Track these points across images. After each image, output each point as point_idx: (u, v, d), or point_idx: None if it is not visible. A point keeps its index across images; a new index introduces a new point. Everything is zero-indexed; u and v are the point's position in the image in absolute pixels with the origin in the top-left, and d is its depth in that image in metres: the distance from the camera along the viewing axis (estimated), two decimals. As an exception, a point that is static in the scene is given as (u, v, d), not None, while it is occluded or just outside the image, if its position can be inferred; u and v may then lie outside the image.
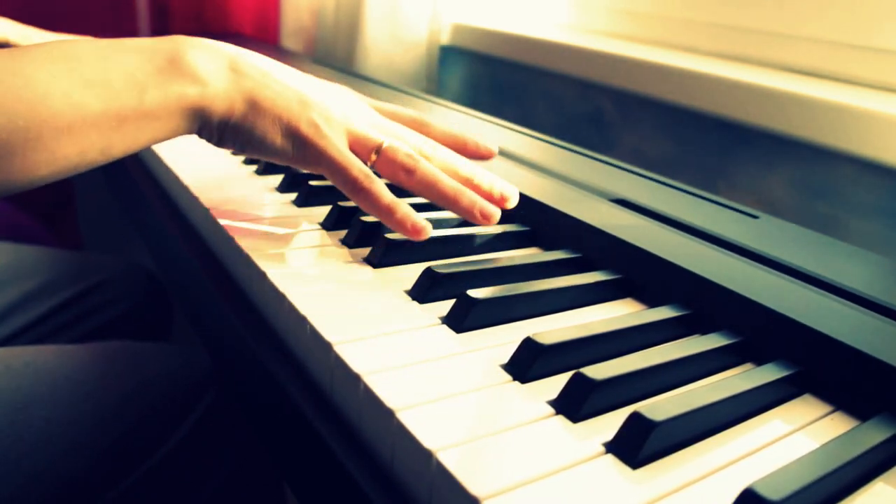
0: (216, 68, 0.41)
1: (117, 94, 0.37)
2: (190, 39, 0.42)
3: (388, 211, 0.41)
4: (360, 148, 0.44)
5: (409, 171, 0.43)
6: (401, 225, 0.41)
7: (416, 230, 0.41)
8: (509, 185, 0.46)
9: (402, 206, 0.41)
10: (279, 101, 0.42)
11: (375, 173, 0.43)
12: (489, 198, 0.45)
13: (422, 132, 0.48)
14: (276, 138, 0.42)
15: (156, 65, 0.39)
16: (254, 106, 0.41)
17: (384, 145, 0.43)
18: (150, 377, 0.53)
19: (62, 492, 0.46)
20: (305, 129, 0.42)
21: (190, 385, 0.54)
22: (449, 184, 0.43)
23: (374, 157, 0.44)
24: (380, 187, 0.41)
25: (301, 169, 0.44)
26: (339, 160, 0.42)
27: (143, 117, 0.38)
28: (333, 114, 0.43)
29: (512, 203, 0.46)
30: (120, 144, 0.38)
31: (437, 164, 0.45)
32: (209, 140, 0.43)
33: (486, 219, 0.43)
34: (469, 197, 0.43)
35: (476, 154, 0.49)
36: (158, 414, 0.52)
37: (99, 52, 0.38)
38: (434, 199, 0.43)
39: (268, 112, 0.42)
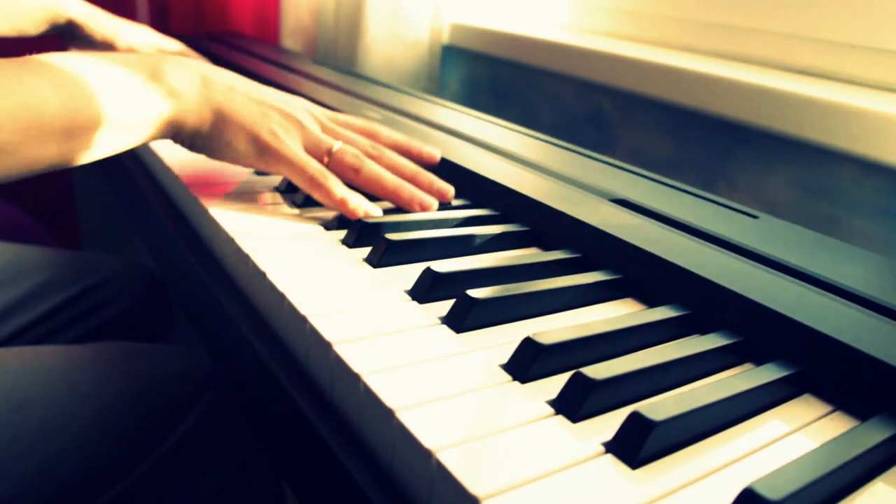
0: (190, 84, 0.47)
1: (107, 105, 0.43)
2: (168, 57, 0.48)
3: (342, 203, 0.47)
4: (314, 151, 0.50)
5: (357, 170, 0.49)
6: (354, 214, 0.47)
7: (367, 216, 0.47)
8: (447, 184, 0.53)
9: (354, 198, 0.48)
10: (243, 112, 0.49)
11: None
12: (429, 192, 0.52)
13: (372, 139, 0.54)
14: (241, 145, 0.49)
15: (140, 80, 0.45)
16: (222, 117, 0.48)
17: (334, 148, 0.50)
18: (149, 377, 0.53)
19: (60, 492, 0.46)
20: (266, 136, 0.48)
21: (189, 385, 0.54)
22: (391, 179, 0.50)
23: (326, 159, 0.50)
24: (334, 182, 0.48)
25: (264, 170, 0.50)
26: (296, 161, 0.48)
27: (125, 126, 0.44)
28: (290, 122, 0.50)
29: (449, 197, 0.52)
30: (98, 150, 0.44)
31: (384, 164, 0.52)
32: (183, 146, 0.50)
33: (423, 208, 0.50)
34: (409, 190, 0.50)
35: (420, 158, 0.55)
36: (157, 414, 0.52)
37: (89, 66, 0.43)
38: (379, 194, 0.50)
39: (233, 122, 0.48)
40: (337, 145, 0.50)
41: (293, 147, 0.49)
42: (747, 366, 0.35)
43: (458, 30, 1.06)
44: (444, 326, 0.35)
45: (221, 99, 0.48)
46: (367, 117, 0.68)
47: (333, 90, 0.82)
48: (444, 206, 0.52)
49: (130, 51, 0.87)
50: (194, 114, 0.47)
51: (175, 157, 0.58)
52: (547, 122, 0.96)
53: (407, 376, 0.31)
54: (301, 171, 0.48)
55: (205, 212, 0.48)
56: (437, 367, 0.32)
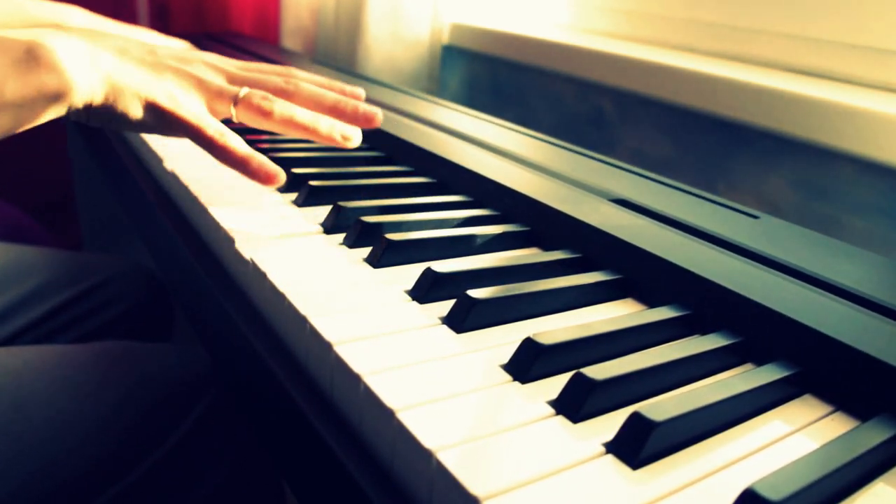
0: (74, 57, 0.44)
1: None
2: (49, 31, 0.45)
3: (244, 162, 0.45)
4: (219, 103, 0.47)
5: (267, 112, 0.47)
6: (256, 173, 0.45)
7: (270, 177, 0.44)
8: (373, 107, 0.51)
9: (257, 156, 0.45)
10: (135, 78, 0.46)
11: (239, 127, 0.49)
12: (354, 119, 0.50)
13: (287, 77, 0.52)
14: (138, 112, 0.46)
15: (12, 57, 0.42)
16: (113, 86, 0.45)
17: (240, 94, 0.47)
18: (150, 377, 0.53)
19: (61, 491, 0.46)
20: (163, 100, 0.46)
21: (189, 385, 0.54)
22: (306, 115, 0.47)
23: (233, 109, 0.47)
24: (234, 142, 0.45)
25: (169, 136, 0.48)
26: (194, 123, 0.46)
27: (7, 107, 0.41)
28: (188, 80, 0.47)
29: (377, 121, 0.50)
30: None
31: (301, 98, 0.49)
32: (79, 121, 0.46)
33: (346, 139, 0.48)
34: (327, 122, 0.48)
35: (343, 94, 0.52)
36: (158, 413, 0.52)
37: None
38: (296, 133, 0.47)
39: (126, 90, 0.45)
40: (243, 91, 0.47)
41: (192, 108, 0.46)
42: (748, 366, 0.35)
43: (458, 30, 1.06)
44: (445, 326, 0.35)
45: (110, 67, 0.45)
46: None
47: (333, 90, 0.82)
48: (444, 206, 0.52)
49: None
50: (82, 87, 0.44)
51: (175, 157, 0.58)
52: (547, 122, 0.96)
53: (407, 376, 0.31)
54: (200, 133, 0.46)
55: (205, 212, 0.48)
56: (437, 367, 0.32)
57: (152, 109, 0.46)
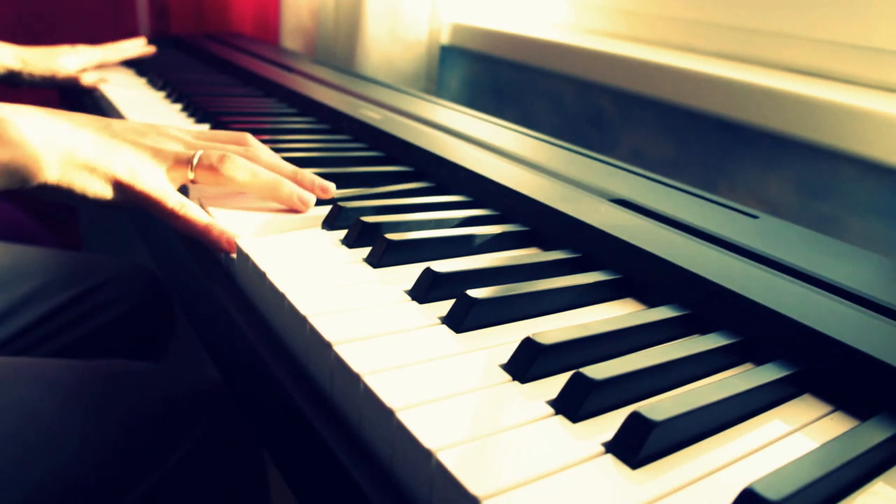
0: (29, 133, 0.44)
1: None
2: (6, 106, 0.45)
3: (206, 230, 0.45)
4: (178, 169, 0.48)
5: (228, 168, 0.47)
6: (217, 241, 0.44)
7: (230, 244, 0.44)
8: (327, 182, 0.52)
9: (217, 224, 0.45)
10: (92, 153, 0.45)
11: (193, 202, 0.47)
12: (311, 188, 0.50)
13: (242, 145, 0.52)
14: (97, 188, 0.46)
15: None
16: (70, 161, 0.45)
17: (197, 156, 0.48)
18: (155, 395, 0.54)
19: (68, 500, 0.46)
20: (122, 174, 0.46)
21: (193, 402, 0.54)
22: (269, 174, 0.48)
23: (191, 174, 0.48)
24: (194, 212, 0.45)
25: (125, 209, 0.47)
26: (154, 196, 0.46)
27: None
28: (146, 151, 0.47)
29: (331, 193, 0.51)
30: None
31: (262, 164, 0.50)
32: (36, 195, 0.46)
33: (304, 204, 0.49)
34: (289, 186, 0.49)
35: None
36: (162, 431, 0.52)
37: None
38: (255, 191, 0.48)
39: (84, 166, 0.45)
40: (198, 154, 0.48)
41: (151, 180, 0.46)
42: (747, 366, 0.35)
43: (457, 30, 1.06)
44: (444, 326, 0.35)
45: (65, 143, 0.45)
46: (366, 117, 0.69)
47: (333, 90, 0.82)
48: (443, 206, 0.52)
49: (70, 79, 0.90)
50: (34, 161, 0.44)
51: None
52: (547, 122, 0.96)
53: (407, 376, 0.31)
54: (160, 206, 0.46)
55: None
56: (436, 367, 0.32)
57: (111, 184, 0.46)
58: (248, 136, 0.53)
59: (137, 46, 1.04)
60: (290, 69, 0.95)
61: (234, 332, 0.40)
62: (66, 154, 0.45)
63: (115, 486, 0.48)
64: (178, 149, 0.49)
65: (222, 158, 0.48)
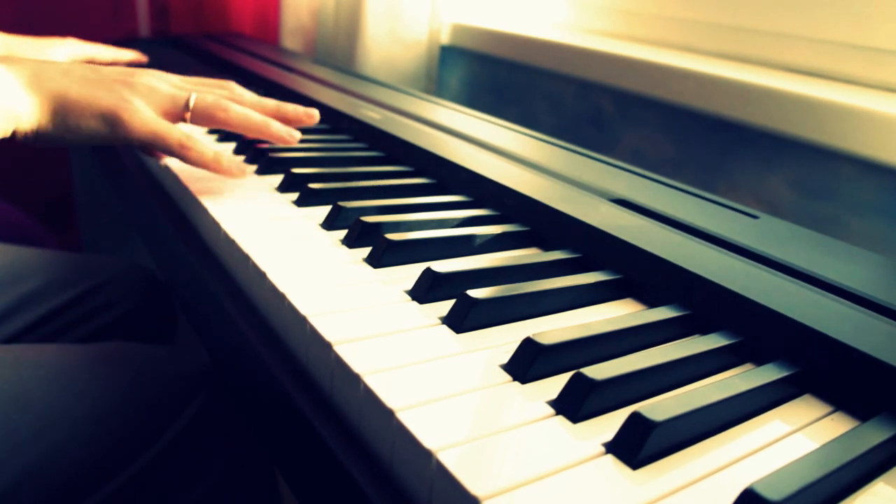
0: (16, 78, 0.45)
1: None
2: None
3: (216, 160, 0.48)
4: (172, 110, 0.50)
5: (224, 109, 0.50)
6: (230, 170, 0.49)
7: (242, 170, 0.48)
8: (311, 108, 0.56)
9: (226, 154, 0.49)
10: (84, 91, 0.46)
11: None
12: (297, 120, 0.55)
13: (225, 90, 0.55)
14: (91, 124, 0.46)
15: None
16: (61, 103, 0.45)
17: (192, 99, 0.50)
18: (145, 376, 0.53)
19: (57, 486, 0.46)
20: (116, 108, 0.46)
21: (184, 384, 0.54)
22: (259, 116, 0.52)
23: (187, 114, 0.50)
24: (202, 144, 0.48)
25: (122, 144, 0.48)
26: (156, 128, 0.47)
27: None
28: (137, 89, 0.48)
29: (315, 118, 0.56)
30: None
31: (248, 104, 0.53)
32: (27, 143, 0.47)
33: (292, 137, 0.53)
34: (276, 125, 0.53)
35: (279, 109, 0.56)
36: (152, 412, 0.52)
37: None
38: (248, 132, 0.52)
39: (76, 104, 0.46)
40: (193, 96, 0.50)
41: (148, 114, 0.47)
42: (747, 366, 0.35)
43: (457, 30, 1.06)
44: (445, 327, 0.35)
45: (56, 85, 0.46)
46: (366, 117, 0.69)
47: (333, 90, 0.82)
48: (443, 206, 0.52)
49: None
50: (27, 106, 0.44)
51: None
52: (547, 122, 0.96)
53: (407, 376, 0.31)
54: (164, 137, 0.47)
55: (205, 212, 0.48)
56: (437, 367, 0.32)
57: (105, 119, 0.46)
58: (231, 82, 0.57)
59: (130, 54, 1.04)
60: (289, 69, 0.95)
61: (234, 331, 0.40)
62: (57, 94, 0.45)
63: (106, 469, 0.48)
64: (172, 91, 0.51)
65: (216, 101, 0.50)
